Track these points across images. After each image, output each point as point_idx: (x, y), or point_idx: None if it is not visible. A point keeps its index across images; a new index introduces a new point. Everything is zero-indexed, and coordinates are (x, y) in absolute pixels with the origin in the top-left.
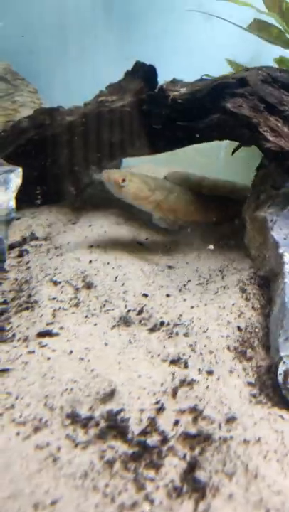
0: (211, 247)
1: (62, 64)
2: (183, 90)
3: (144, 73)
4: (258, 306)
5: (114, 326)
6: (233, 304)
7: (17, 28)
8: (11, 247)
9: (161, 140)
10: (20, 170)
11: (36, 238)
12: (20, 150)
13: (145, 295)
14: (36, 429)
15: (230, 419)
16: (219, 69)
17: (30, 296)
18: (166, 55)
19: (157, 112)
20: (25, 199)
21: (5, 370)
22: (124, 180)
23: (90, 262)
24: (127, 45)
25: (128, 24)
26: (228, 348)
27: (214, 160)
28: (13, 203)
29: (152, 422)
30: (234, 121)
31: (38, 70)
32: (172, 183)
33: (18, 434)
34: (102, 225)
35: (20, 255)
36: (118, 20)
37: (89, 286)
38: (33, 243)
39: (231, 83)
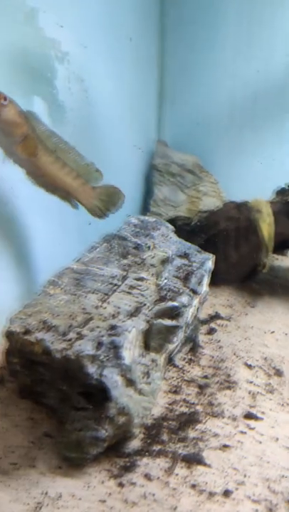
0: None
1: (239, 157)
2: None
3: None
4: None
5: None
6: None
7: (195, 118)
8: (201, 323)
9: None
10: (213, 257)
11: (221, 317)
12: (212, 239)
13: None
14: (270, 511)
15: None
16: None
17: (229, 376)
18: None
19: None
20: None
21: (226, 446)
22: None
23: (278, 349)
24: None
25: None
26: None
27: None
28: (207, 288)
29: None
30: None
31: (219, 162)
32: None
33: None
34: (283, 312)
35: (210, 332)
36: None
37: (279, 373)
38: (218, 322)
39: None
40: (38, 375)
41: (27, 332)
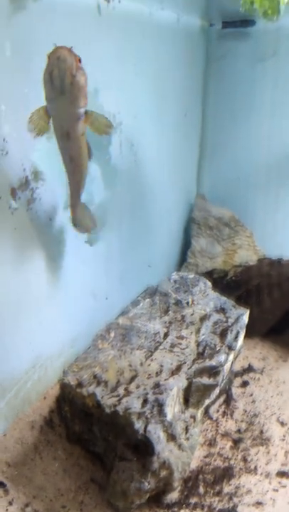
0: None
1: (275, 213)
2: None
3: None
4: None
5: None
6: None
7: (233, 175)
8: (235, 375)
9: None
10: (248, 312)
11: (254, 370)
12: (246, 293)
13: None
14: None
15: None
16: None
17: (262, 432)
18: None
19: None
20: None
21: (260, 503)
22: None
23: None
24: None
25: None
26: None
27: None
28: (242, 342)
29: None
30: None
31: (254, 217)
32: None
33: None
34: None
35: (243, 385)
36: None
37: None
38: (251, 375)
39: None
40: (87, 425)
41: (79, 385)
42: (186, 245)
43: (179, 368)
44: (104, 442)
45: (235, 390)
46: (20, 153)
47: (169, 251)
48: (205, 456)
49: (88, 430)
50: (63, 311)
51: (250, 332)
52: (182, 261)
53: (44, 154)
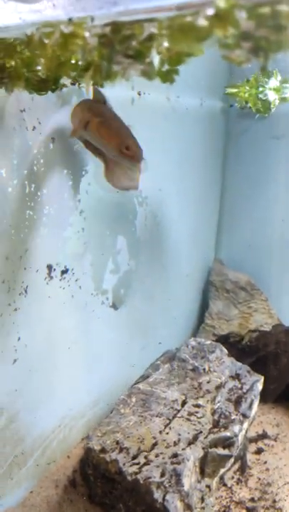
0: None
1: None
2: None
3: None
4: None
5: None
6: None
7: (249, 241)
8: (249, 441)
9: None
10: (262, 379)
11: (268, 437)
12: (261, 359)
13: None
14: None
15: None
16: None
17: (274, 501)
18: None
19: None
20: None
21: None
22: None
23: None
24: None
25: None
26: None
27: None
28: (256, 409)
29: None
30: None
31: (270, 282)
32: None
33: None
34: None
35: (258, 452)
36: None
37: None
38: (266, 441)
39: None
40: (109, 488)
41: (103, 451)
42: (204, 307)
43: (195, 438)
44: (124, 506)
45: (250, 457)
46: None
47: (188, 313)
48: None
49: (109, 493)
50: (87, 373)
51: (265, 398)
52: (200, 322)
53: None
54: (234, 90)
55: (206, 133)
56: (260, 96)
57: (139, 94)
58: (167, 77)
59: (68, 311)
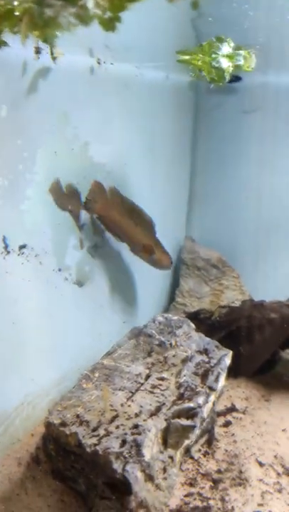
0: None
1: (263, 256)
2: None
3: None
4: None
5: None
6: None
7: (221, 219)
8: (218, 414)
9: None
10: (230, 353)
11: (237, 410)
12: (229, 334)
13: None
14: None
15: None
16: None
17: (240, 472)
18: None
19: None
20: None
21: None
22: None
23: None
24: None
25: None
26: None
27: None
28: (224, 383)
29: None
30: None
31: (242, 259)
32: None
33: None
34: None
35: (226, 425)
36: None
37: (288, 473)
38: (234, 414)
39: None
40: (70, 462)
41: (63, 424)
42: (175, 286)
43: (158, 410)
44: (86, 480)
45: (218, 430)
46: None
47: (159, 291)
48: (185, 496)
49: (71, 468)
50: (51, 351)
51: (235, 373)
52: (171, 300)
53: None
54: (186, 57)
55: (174, 107)
56: (214, 63)
57: (99, 62)
58: (109, 24)
59: (29, 288)
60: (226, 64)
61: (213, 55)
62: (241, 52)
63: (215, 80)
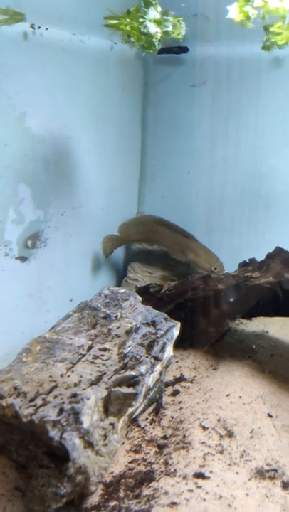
0: None
1: (215, 230)
2: None
3: (283, 258)
4: None
5: (251, 478)
6: None
7: (173, 194)
8: (166, 384)
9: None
10: (179, 324)
11: (185, 379)
12: (179, 306)
13: (277, 451)
14: None
15: None
16: None
17: (184, 436)
18: None
19: None
20: (177, 343)
21: (174, 503)
22: None
23: (232, 411)
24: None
25: None
26: None
27: None
28: (172, 353)
29: None
30: None
31: (195, 235)
32: None
33: None
34: (240, 375)
35: (174, 394)
36: None
37: (230, 435)
38: (182, 384)
39: None
40: (9, 435)
41: (0, 397)
42: (127, 261)
43: (98, 379)
44: (26, 451)
45: (166, 399)
46: None
47: (110, 267)
48: (129, 462)
49: (11, 440)
50: None
51: (186, 344)
52: (124, 276)
53: None
54: (114, 22)
55: (121, 78)
56: (142, 29)
57: (33, 27)
58: None
59: None
60: (153, 29)
61: (140, 20)
62: (169, 18)
63: (145, 47)
